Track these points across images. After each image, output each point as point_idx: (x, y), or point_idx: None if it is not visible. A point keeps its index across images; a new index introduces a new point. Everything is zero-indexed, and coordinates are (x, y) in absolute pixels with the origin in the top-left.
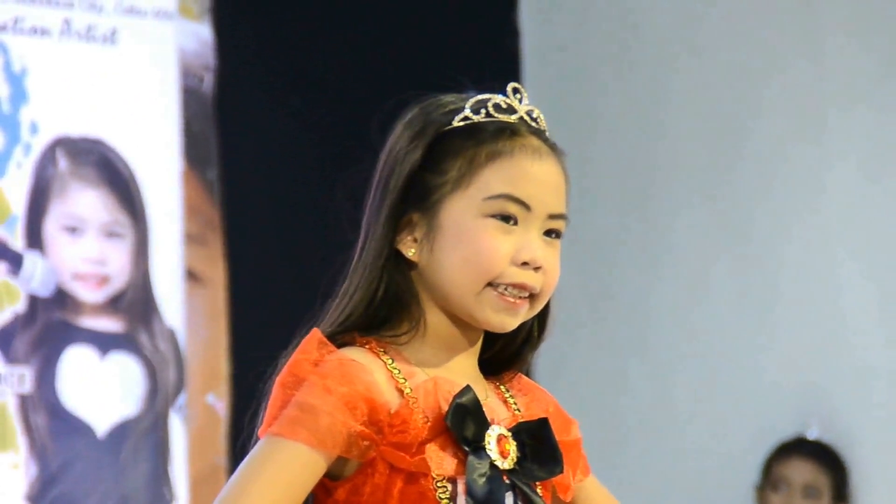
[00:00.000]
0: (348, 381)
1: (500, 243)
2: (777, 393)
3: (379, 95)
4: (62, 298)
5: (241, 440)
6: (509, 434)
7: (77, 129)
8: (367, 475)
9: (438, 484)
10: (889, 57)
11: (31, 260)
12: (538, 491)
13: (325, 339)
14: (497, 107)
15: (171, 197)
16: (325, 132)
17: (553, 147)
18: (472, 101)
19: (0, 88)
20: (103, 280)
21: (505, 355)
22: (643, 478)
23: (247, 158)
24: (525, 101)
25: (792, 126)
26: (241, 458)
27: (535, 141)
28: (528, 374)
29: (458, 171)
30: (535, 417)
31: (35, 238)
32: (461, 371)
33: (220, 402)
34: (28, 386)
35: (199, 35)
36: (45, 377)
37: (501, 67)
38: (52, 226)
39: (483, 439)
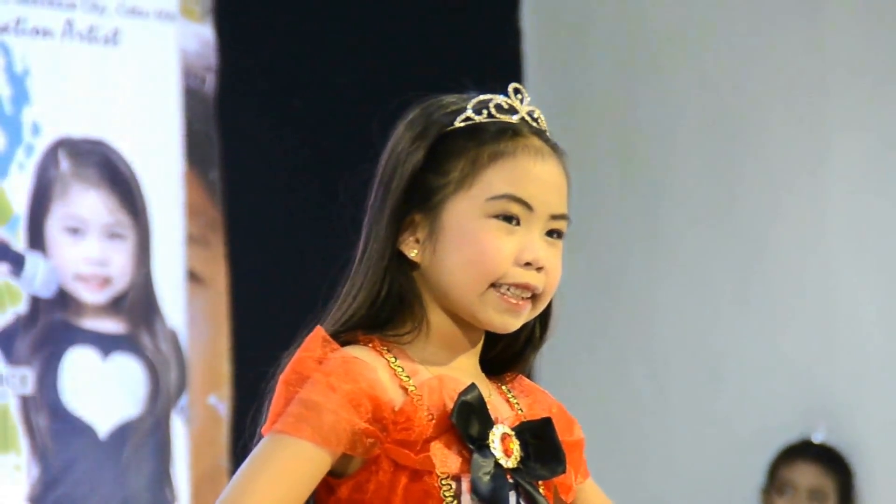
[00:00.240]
0: (352, 379)
1: (504, 244)
2: (782, 396)
3: (380, 96)
4: (64, 299)
5: (242, 441)
6: (513, 433)
7: (79, 129)
8: (371, 472)
9: (443, 482)
10: (893, 57)
11: (33, 261)
12: (541, 490)
13: (328, 337)
14: (499, 107)
15: (172, 198)
16: (326, 133)
17: (554, 147)
18: (473, 101)
19: (2, 89)
20: (105, 281)
21: (507, 355)
22: (646, 481)
23: (248, 159)
24: (526, 101)
25: (795, 126)
26: (243, 460)
27: (536, 141)
28: (529, 375)
29: (461, 172)
30: (538, 417)
31: (37, 239)
32: (464, 370)
33: (221, 404)
34: (30, 387)
35: (201, 36)
36: (47, 378)
37: (503, 68)
38: (53, 227)
39: (487, 437)
